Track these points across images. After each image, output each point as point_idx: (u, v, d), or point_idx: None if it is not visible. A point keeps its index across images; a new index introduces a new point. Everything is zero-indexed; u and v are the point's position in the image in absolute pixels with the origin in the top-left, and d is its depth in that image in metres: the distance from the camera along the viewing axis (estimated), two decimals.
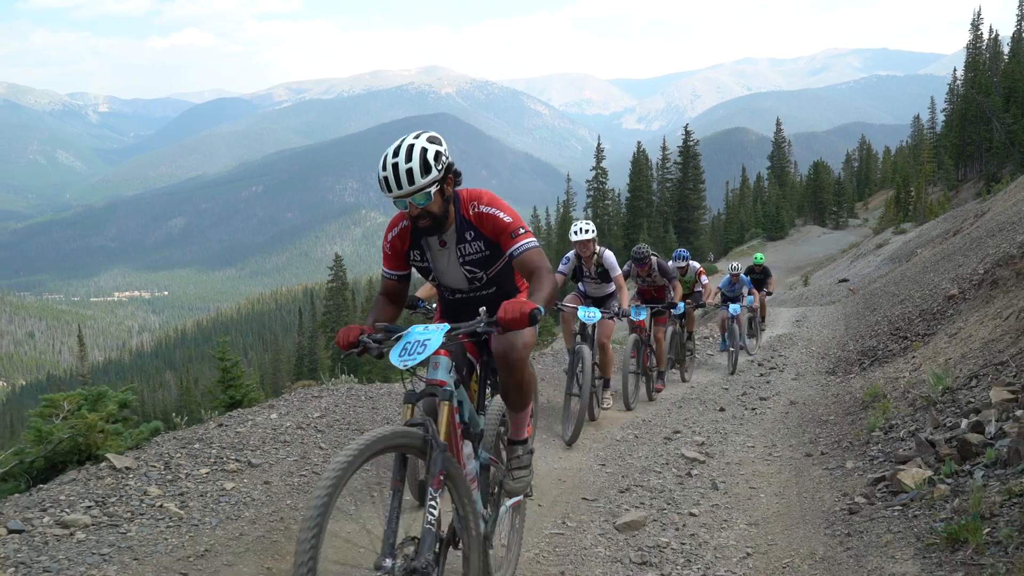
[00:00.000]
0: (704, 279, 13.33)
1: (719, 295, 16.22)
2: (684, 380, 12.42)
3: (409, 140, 3.46)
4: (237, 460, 5.12)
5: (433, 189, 3.45)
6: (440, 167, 3.44)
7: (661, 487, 5.72)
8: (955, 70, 78.65)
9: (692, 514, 5.11)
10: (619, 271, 8.81)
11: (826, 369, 13.23)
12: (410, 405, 3.10)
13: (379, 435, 2.74)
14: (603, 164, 79.20)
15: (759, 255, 19.23)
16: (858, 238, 68.74)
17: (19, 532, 3.78)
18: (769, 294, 18.76)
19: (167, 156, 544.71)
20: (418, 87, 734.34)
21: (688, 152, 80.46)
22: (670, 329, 11.65)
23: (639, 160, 78.92)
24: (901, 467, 4.87)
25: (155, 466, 4.86)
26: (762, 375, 13.01)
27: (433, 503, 2.87)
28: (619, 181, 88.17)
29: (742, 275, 16.46)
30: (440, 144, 3.49)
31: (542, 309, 3.14)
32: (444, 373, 3.21)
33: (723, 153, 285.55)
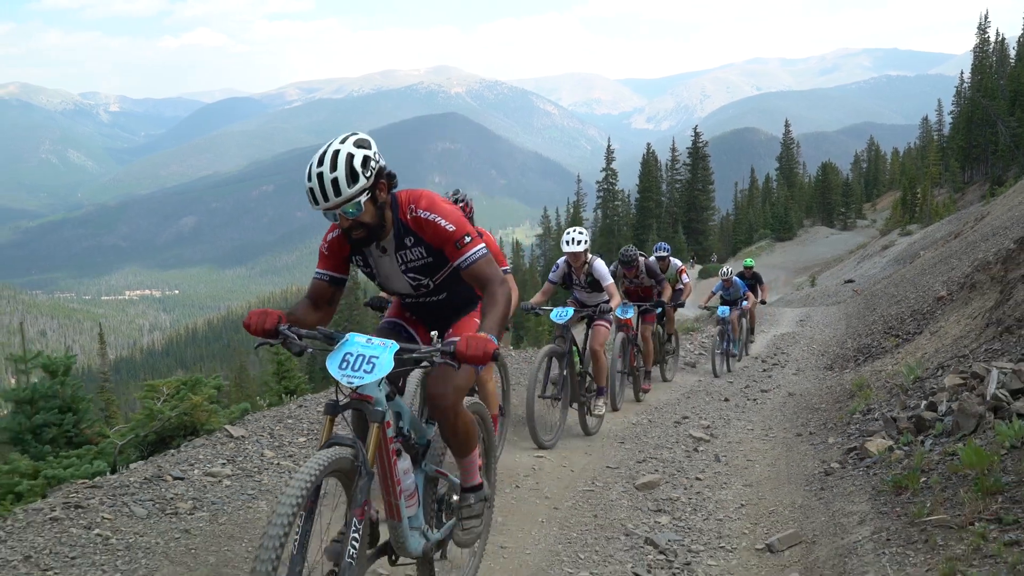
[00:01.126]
0: (685, 277, 13.14)
1: (714, 298, 16.00)
2: (665, 379, 12.32)
3: (335, 146, 3.21)
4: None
5: (363, 198, 3.22)
6: (369, 173, 3.21)
7: (672, 459, 6.80)
8: (962, 73, 79.51)
9: (698, 478, 6.19)
10: (610, 280, 8.48)
11: (824, 365, 14.27)
12: (329, 417, 2.91)
13: (323, 464, 2.59)
14: (612, 165, 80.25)
15: (748, 260, 18.79)
16: (865, 239, 69.58)
17: (180, 479, 4.92)
18: (763, 303, 18.29)
19: (178, 155, 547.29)
20: (428, 87, 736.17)
21: (697, 154, 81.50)
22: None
23: (648, 162, 79.91)
24: (869, 439, 5.96)
25: (263, 435, 6.02)
26: (765, 370, 14.03)
27: (356, 535, 2.74)
28: (628, 180, 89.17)
29: (735, 279, 16.14)
30: (369, 147, 3.26)
31: (499, 345, 2.99)
32: (374, 387, 2.93)
33: (732, 153, 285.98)
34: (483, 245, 3.47)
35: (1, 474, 5.92)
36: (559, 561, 4.42)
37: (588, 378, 8.28)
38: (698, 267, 61.91)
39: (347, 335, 2.96)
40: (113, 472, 5.63)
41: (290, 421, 6.49)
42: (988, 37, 72.67)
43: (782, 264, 65.35)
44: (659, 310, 11.09)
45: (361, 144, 3.24)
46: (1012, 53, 72.17)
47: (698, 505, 5.48)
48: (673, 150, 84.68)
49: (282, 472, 5.31)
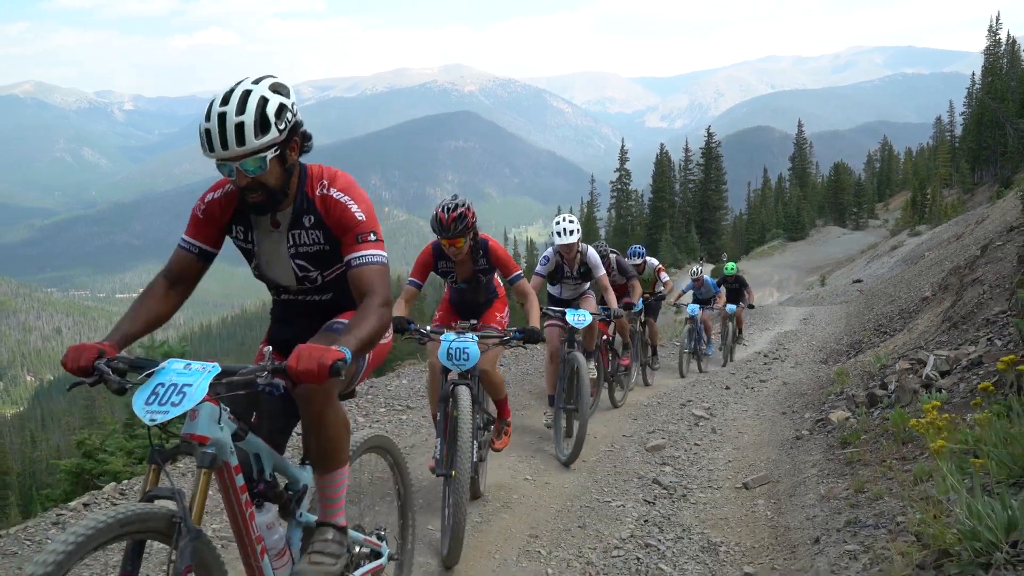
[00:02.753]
0: (664, 276, 12.72)
1: (684, 296, 15.91)
2: (647, 384, 12.12)
3: (246, 85, 2.78)
4: (399, 405, 7.86)
5: (270, 154, 2.77)
6: (283, 125, 2.78)
7: (676, 431, 8.29)
8: (973, 74, 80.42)
9: (696, 444, 7.69)
10: (603, 270, 8.23)
11: (820, 359, 15.69)
12: (155, 467, 2.40)
13: (109, 520, 2.10)
14: (626, 164, 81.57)
15: (731, 264, 17.99)
16: (876, 239, 70.65)
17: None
18: (750, 307, 17.60)
19: (191, 154, 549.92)
20: (441, 85, 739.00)
21: (710, 154, 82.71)
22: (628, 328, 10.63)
23: (662, 162, 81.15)
24: (832, 411, 7.46)
25: (351, 405, 7.56)
26: (765, 363, 15.45)
27: None
28: (641, 179, 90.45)
29: (706, 278, 15.86)
30: (287, 95, 2.83)
31: (348, 358, 2.50)
32: (207, 425, 2.46)
33: (746, 151, 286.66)
34: (385, 253, 3.01)
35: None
36: (589, 492, 5.95)
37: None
38: (709, 267, 63.15)
39: (165, 362, 2.45)
40: None
41: (369, 397, 8.15)
42: (999, 39, 73.65)
43: (793, 264, 66.61)
44: (638, 309, 10.85)
45: (278, 89, 2.81)
46: None
47: (694, 461, 6.99)
48: (686, 150, 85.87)
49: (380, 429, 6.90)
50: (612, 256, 10.06)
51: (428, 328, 5.15)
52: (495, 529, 5.11)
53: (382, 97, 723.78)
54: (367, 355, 3.14)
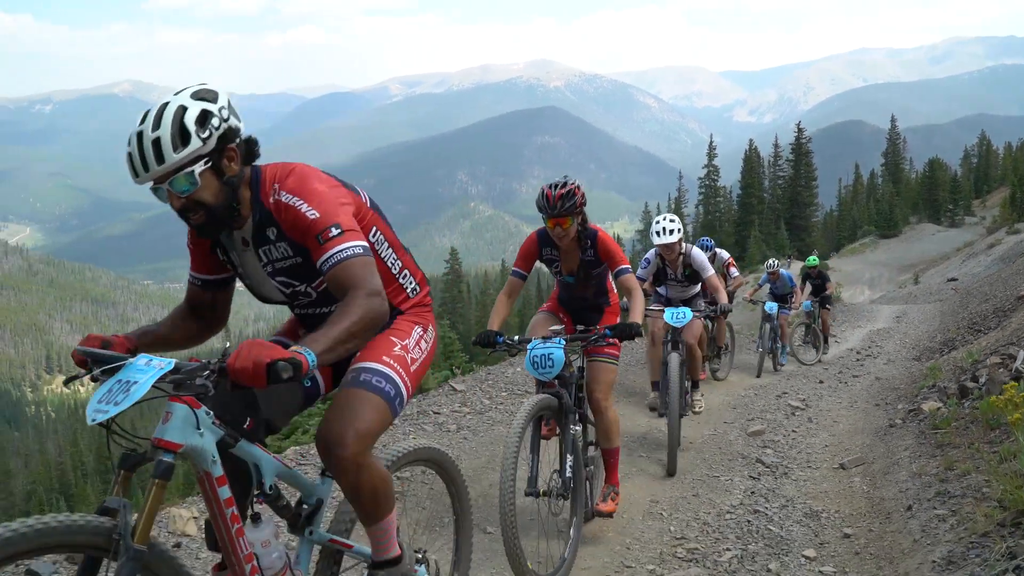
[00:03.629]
0: (734, 271, 12.44)
1: (760, 291, 15.34)
2: (716, 379, 11.97)
3: (166, 98, 2.53)
4: (518, 391, 8.63)
5: (198, 168, 2.50)
6: (207, 133, 2.49)
7: (774, 419, 8.87)
8: None
9: (794, 431, 8.27)
10: (711, 271, 7.79)
11: (913, 357, 15.95)
12: (124, 471, 2.18)
13: (24, 529, 1.91)
14: (714, 160, 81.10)
15: (812, 258, 17.15)
16: (973, 237, 68.72)
17: (438, 413, 7.33)
18: (826, 299, 16.56)
19: (280, 150, 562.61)
20: (527, 81, 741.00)
21: (800, 150, 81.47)
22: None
23: (751, 158, 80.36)
24: (924, 402, 7.96)
25: (476, 390, 8.41)
26: (858, 360, 15.76)
27: None
28: (729, 174, 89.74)
29: (783, 272, 15.08)
30: (213, 100, 2.53)
31: (312, 360, 2.25)
32: (180, 430, 2.25)
33: (837, 147, 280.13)
34: (359, 243, 2.60)
35: None
36: (699, 468, 6.64)
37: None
38: (798, 264, 62.41)
39: (135, 357, 2.26)
40: None
41: (489, 382, 9.00)
42: None
43: (886, 261, 65.39)
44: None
45: (202, 96, 2.53)
46: None
47: (793, 445, 7.59)
48: (776, 146, 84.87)
49: (504, 410, 7.71)
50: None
51: (516, 338, 4.80)
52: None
53: (469, 93, 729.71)
54: (404, 375, 2.92)
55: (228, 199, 2.62)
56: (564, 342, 4.59)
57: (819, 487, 6.13)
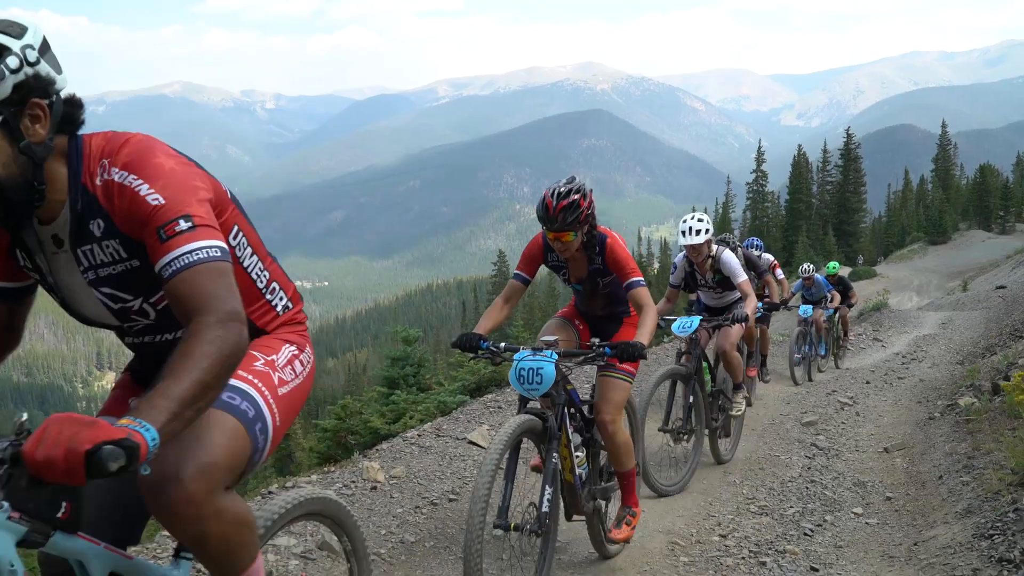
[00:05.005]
0: (779, 273, 11.76)
1: (795, 297, 14.85)
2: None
3: None
4: None
5: None
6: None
7: (825, 413, 9.92)
8: None
9: (843, 423, 9.33)
10: (743, 275, 7.07)
11: (957, 361, 16.80)
12: None
13: None
14: (762, 165, 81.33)
15: (833, 263, 16.73)
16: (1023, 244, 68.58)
17: (498, 409, 8.49)
18: (850, 306, 16.54)
19: (328, 151, 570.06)
20: (574, 83, 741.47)
21: (849, 155, 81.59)
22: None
23: (799, 163, 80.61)
24: (960, 398, 9.00)
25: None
26: (903, 363, 16.59)
27: None
28: (777, 178, 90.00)
29: (818, 276, 15.03)
30: (16, 36, 1.83)
31: (153, 438, 1.59)
32: None
33: (886, 151, 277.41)
34: (213, 243, 1.92)
35: (396, 403, 9.70)
36: (761, 449, 7.77)
37: (721, 397, 7.22)
38: (847, 270, 62.67)
39: None
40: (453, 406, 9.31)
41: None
42: None
43: (935, 268, 65.37)
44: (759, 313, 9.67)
45: (5, 29, 1.83)
46: None
47: (843, 433, 8.68)
48: (824, 151, 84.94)
49: None
50: (738, 251, 8.75)
51: (503, 345, 4.26)
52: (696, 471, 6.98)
53: (516, 95, 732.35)
54: (269, 398, 2.20)
55: (26, 174, 1.89)
56: (557, 356, 4.02)
57: (866, 465, 7.23)
